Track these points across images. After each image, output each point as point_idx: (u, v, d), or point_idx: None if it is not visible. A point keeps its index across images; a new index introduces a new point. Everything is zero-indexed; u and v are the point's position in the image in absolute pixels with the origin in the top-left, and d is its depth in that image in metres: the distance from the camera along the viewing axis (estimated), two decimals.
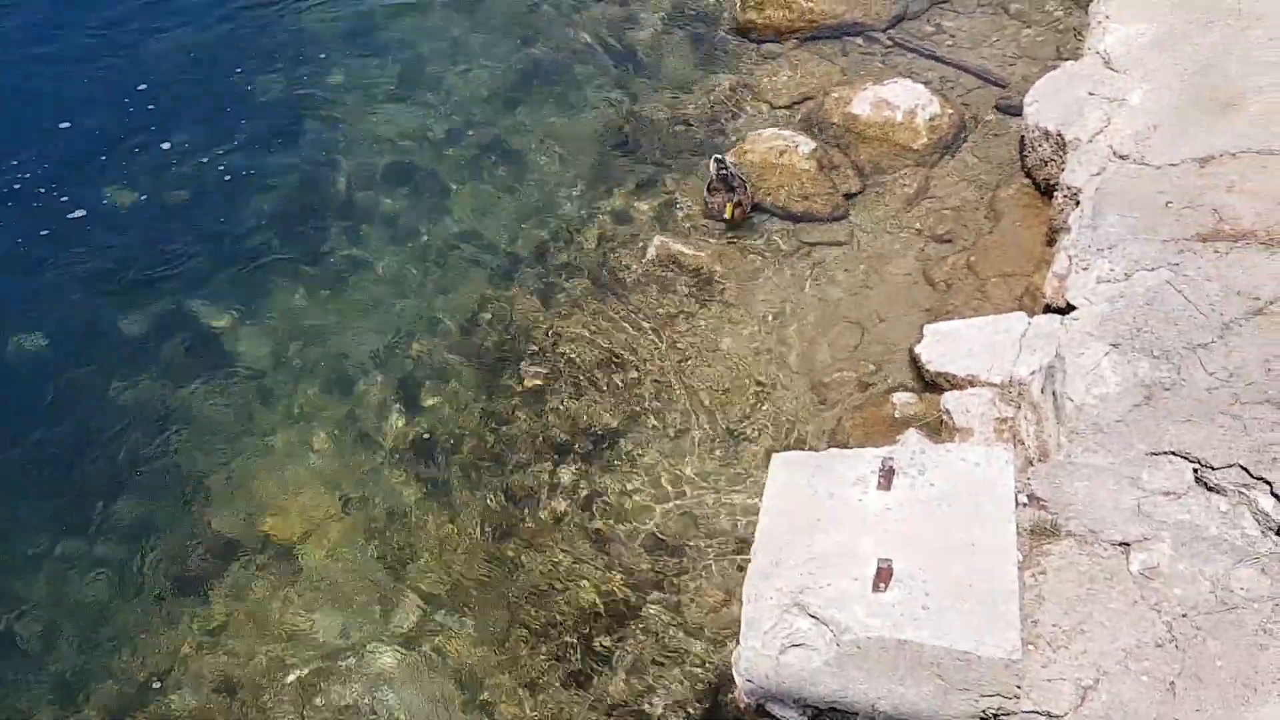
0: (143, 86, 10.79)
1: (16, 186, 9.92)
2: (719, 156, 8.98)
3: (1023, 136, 8.53)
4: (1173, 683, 4.87)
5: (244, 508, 7.67)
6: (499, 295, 8.80)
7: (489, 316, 8.65)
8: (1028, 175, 8.57)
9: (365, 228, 9.45)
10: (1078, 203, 7.36)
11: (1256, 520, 5.33)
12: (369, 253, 9.25)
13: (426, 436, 7.95)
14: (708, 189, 9.01)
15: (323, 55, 11.03)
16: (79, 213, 9.70)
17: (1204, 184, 6.94)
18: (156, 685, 6.86)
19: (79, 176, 9.98)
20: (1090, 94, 7.90)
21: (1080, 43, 8.98)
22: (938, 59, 9.96)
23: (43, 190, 9.89)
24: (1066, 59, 8.82)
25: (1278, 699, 4.73)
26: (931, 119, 9.14)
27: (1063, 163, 7.82)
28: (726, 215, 8.84)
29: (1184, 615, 5.07)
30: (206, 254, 9.32)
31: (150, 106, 10.60)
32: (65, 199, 9.80)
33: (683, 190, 9.31)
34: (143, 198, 9.81)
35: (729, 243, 8.84)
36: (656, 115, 10.01)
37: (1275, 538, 5.24)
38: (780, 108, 9.84)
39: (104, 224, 9.62)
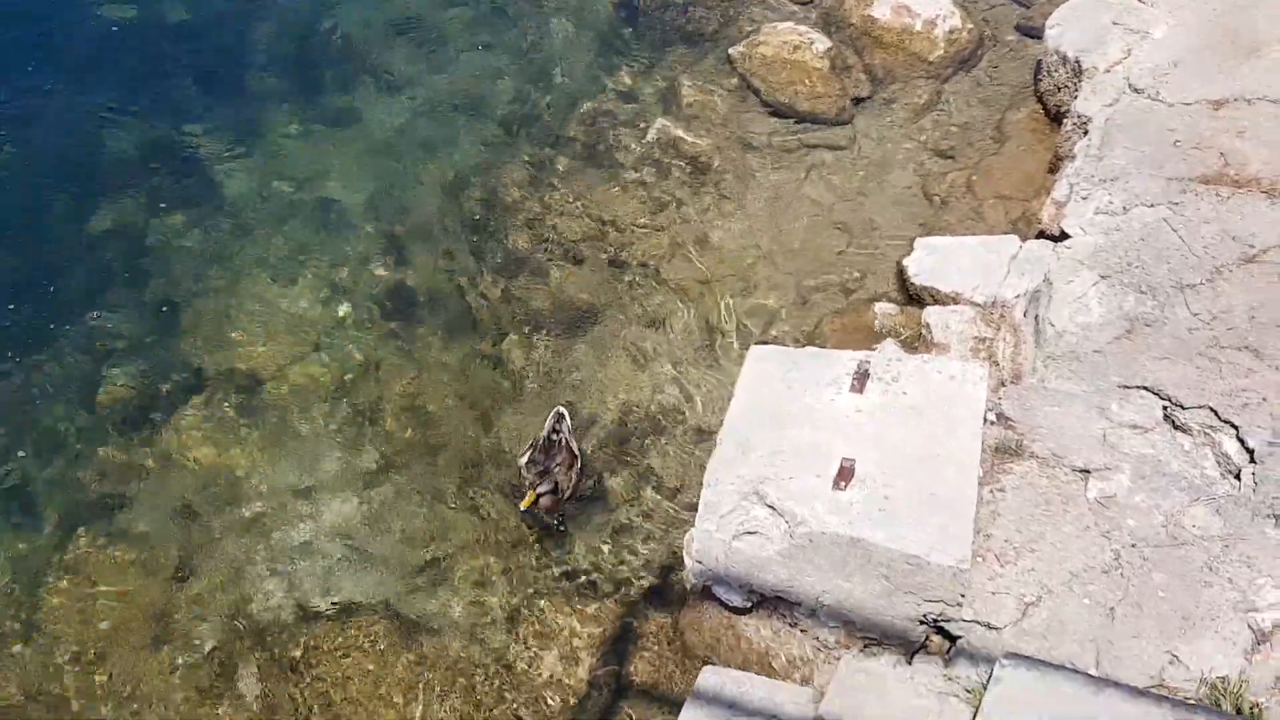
0: None
1: None
2: (561, 410, 7.02)
3: (1040, 60, 8.41)
4: (1113, 608, 4.95)
5: (215, 340, 7.63)
6: (493, 160, 8.68)
7: (480, 180, 8.54)
8: (1040, 100, 8.47)
9: (364, 77, 9.28)
10: (1086, 132, 7.30)
11: (1218, 462, 5.38)
12: (365, 103, 9.10)
13: (405, 292, 7.90)
14: (527, 458, 6.87)
15: None
16: (74, 26, 9.49)
17: (1215, 126, 6.88)
18: (114, 504, 6.87)
19: None
20: (1114, 23, 7.79)
21: None
22: None
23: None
24: None
25: (1214, 635, 4.81)
26: (950, 31, 8.98)
27: (1076, 90, 7.73)
28: (523, 504, 6.68)
29: (1134, 545, 5.13)
30: (201, 82, 9.17)
31: None
32: (60, 11, 9.57)
33: (690, 75, 9.15)
34: (141, 16, 9.59)
35: (730, 135, 8.72)
36: None
37: (1234, 481, 5.29)
38: (799, 2, 9.64)
39: (99, 41, 9.42)
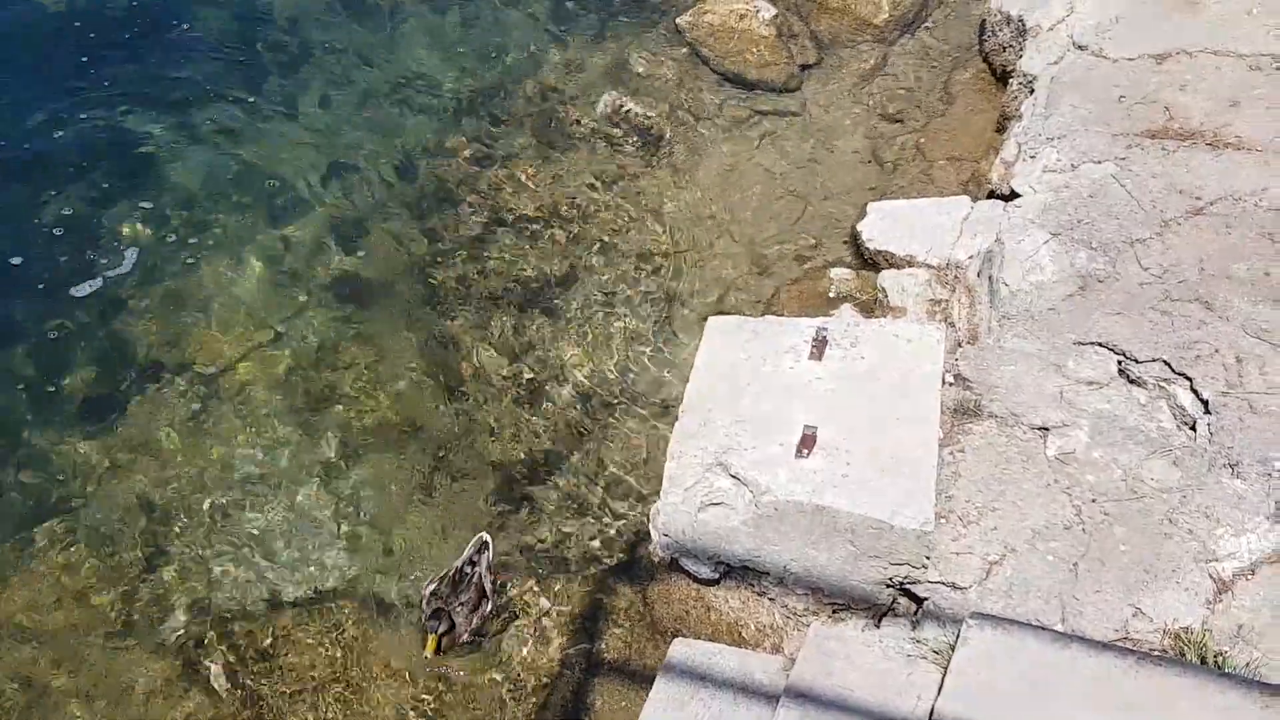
0: None
1: None
2: (485, 538, 6.41)
3: (984, 20, 8.45)
4: (1076, 564, 5.00)
5: (169, 331, 7.52)
6: (442, 139, 8.62)
7: (431, 160, 8.48)
8: (985, 60, 8.50)
9: (309, 59, 9.18)
10: (1032, 91, 7.33)
11: (1174, 414, 5.44)
12: (310, 85, 9.00)
13: (360, 276, 7.83)
14: (432, 590, 6.19)
15: None
16: (6, 15, 9.31)
17: (1159, 80, 6.94)
18: (70, 500, 6.77)
19: None
20: None
21: None
22: None
23: None
24: None
25: (1175, 586, 4.88)
26: None
27: (1021, 49, 7.77)
28: (427, 651, 6.09)
29: (1094, 500, 5.19)
30: (141, 71, 9.00)
31: None
32: None
33: (638, 45, 9.11)
34: (78, 4, 9.41)
35: (681, 105, 8.70)
36: None
37: (1190, 432, 5.36)
38: None
39: (36, 31, 9.23)
